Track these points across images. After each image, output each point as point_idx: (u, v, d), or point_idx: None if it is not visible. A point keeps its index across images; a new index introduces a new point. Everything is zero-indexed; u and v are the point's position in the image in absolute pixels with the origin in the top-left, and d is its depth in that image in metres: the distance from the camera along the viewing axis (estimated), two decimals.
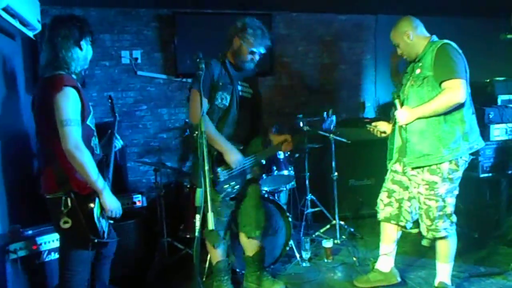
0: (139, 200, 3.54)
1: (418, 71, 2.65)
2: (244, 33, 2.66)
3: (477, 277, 3.11)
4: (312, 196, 4.10)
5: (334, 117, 3.28)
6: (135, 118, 4.46)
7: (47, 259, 2.60)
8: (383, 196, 2.96)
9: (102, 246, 2.33)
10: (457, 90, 2.45)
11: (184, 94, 4.47)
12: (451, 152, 2.55)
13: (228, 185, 2.73)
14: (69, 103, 2.03)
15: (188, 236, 3.61)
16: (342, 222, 3.98)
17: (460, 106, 2.53)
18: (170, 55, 4.42)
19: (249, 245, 2.99)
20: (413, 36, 2.68)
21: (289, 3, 4.56)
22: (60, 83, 2.04)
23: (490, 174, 3.84)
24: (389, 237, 3.00)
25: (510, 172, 3.84)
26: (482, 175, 3.81)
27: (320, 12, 4.95)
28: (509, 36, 3.02)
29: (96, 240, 2.16)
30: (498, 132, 3.83)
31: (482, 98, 3.85)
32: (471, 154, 2.64)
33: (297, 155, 4.06)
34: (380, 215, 2.98)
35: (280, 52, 4.84)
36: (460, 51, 2.59)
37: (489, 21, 4.63)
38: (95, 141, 2.26)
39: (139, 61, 4.38)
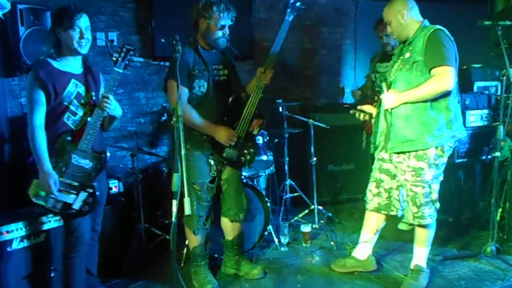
0: (115, 186, 3.49)
1: (407, 54, 2.62)
2: (208, 11, 2.64)
3: (451, 259, 3.18)
4: (291, 181, 4.11)
5: None
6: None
7: (20, 246, 2.54)
8: (371, 186, 2.94)
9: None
10: (446, 77, 2.45)
11: (162, 77, 4.35)
12: (434, 139, 2.56)
13: (245, 155, 2.85)
14: None
15: (166, 222, 3.58)
16: (320, 207, 4.01)
17: (446, 94, 2.53)
18: (147, 38, 4.31)
19: (231, 229, 2.99)
20: (407, 17, 2.64)
21: None
22: None
23: (465, 160, 3.91)
24: (373, 226, 3.01)
25: (484, 157, 3.91)
26: (457, 160, 3.87)
27: None
28: (486, 22, 3.03)
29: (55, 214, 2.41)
30: (473, 118, 3.88)
31: (458, 84, 3.87)
32: None
33: (276, 140, 4.05)
34: (369, 206, 2.96)
35: (260, 36, 4.78)
36: (452, 38, 2.57)
37: (469, 7, 4.68)
38: (74, 118, 2.36)
39: (115, 43, 4.26)
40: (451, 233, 3.61)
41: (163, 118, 3.93)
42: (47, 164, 2.24)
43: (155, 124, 4.19)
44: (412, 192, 2.68)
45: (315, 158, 3.97)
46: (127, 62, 2.47)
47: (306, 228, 3.58)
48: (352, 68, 5.27)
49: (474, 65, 4.08)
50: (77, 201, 2.34)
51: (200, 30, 2.72)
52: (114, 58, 2.46)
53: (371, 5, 4.87)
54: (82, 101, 2.38)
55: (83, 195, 2.35)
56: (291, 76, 4.99)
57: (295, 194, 4.17)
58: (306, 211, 4.01)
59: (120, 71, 2.45)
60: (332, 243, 3.53)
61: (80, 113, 2.37)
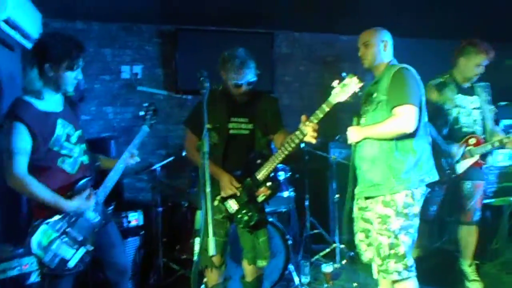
0: (135, 219, 3.44)
1: (374, 94, 2.53)
2: (225, 66, 2.56)
3: None
4: (312, 218, 4.02)
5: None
6: (134, 134, 4.32)
7: (36, 280, 2.49)
8: (361, 236, 2.66)
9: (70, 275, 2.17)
10: (405, 116, 2.32)
11: (184, 110, 4.41)
12: (401, 183, 2.36)
13: (242, 214, 2.61)
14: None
15: (184, 257, 3.51)
16: (342, 246, 3.89)
17: (411, 135, 2.36)
18: (171, 71, 4.38)
19: (250, 272, 2.84)
20: (387, 50, 2.58)
21: (292, 23, 4.55)
22: None
23: (493, 200, 3.78)
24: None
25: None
26: (485, 201, 3.74)
27: (322, 32, 4.94)
28: None
29: (44, 271, 2.08)
30: (501, 157, 3.79)
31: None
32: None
33: (297, 175, 4.00)
34: (365, 257, 2.67)
35: (282, 71, 4.81)
36: (418, 77, 2.46)
37: (495, 46, 4.66)
38: (69, 160, 2.17)
39: (139, 76, 4.34)
40: (481, 279, 3.44)
41: (184, 152, 3.91)
42: (64, 202, 2.08)
43: (176, 157, 4.17)
44: (377, 242, 2.43)
45: (337, 195, 3.89)
46: (153, 122, 2.48)
47: (327, 268, 3.46)
48: None
49: (500, 103, 4.01)
50: (74, 257, 2.12)
51: (223, 81, 2.65)
52: (142, 114, 2.48)
53: (395, 42, 4.88)
54: (73, 141, 2.18)
55: (81, 251, 2.15)
56: (312, 111, 4.95)
57: (316, 231, 4.07)
58: (328, 249, 3.89)
59: (148, 130, 2.45)
60: (355, 284, 3.40)
61: (75, 154, 2.18)
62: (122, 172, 2.39)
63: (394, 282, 2.43)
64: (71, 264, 2.12)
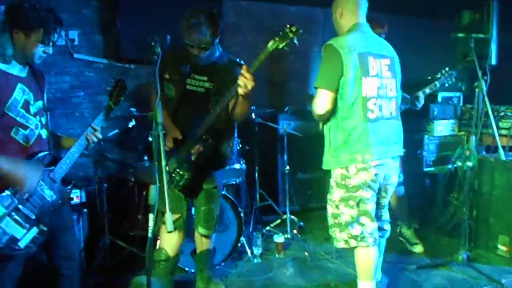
0: (77, 196, 3.24)
1: None
2: (181, 25, 2.47)
3: (424, 268, 3.20)
4: (261, 190, 4.02)
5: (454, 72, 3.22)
6: (71, 106, 4.08)
7: None
8: None
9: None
10: (316, 100, 2.35)
11: (127, 80, 4.15)
12: (334, 160, 2.40)
13: (176, 174, 2.57)
14: None
15: (132, 233, 3.38)
16: (292, 216, 3.94)
17: (343, 114, 2.33)
18: (111, 38, 4.08)
19: (198, 242, 2.85)
20: (344, 18, 2.45)
21: None
22: None
23: (433, 168, 3.98)
24: None
25: (450, 166, 4.00)
26: (425, 169, 3.95)
27: (270, 2, 4.84)
28: (460, 35, 3.11)
29: None
30: (441, 128, 3.98)
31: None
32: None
33: (247, 147, 3.95)
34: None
35: (230, 41, 4.67)
36: (344, 50, 2.28)
37: (435, 20, 4.83)
38: (24, 131, 1.99)
39: (76, 42, 4.00)
40: (421, 242, 3.64)
41: (130, 123, 3.71)
42: (5, 161, 1.86)
43: (121, 130, 3.95)
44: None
45: (288, 167, 3.90)
46: (120, 99, 2.32)
47: (279, 239, 3.50)
48: None
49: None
50: (25, 237, 1.93)
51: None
52: (109, 90, 2.31)
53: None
54: (32, 111, 2.02)
55: (34, 231, 1.97)
56: (259, 82, 4.87)
57: (266, 203, 4.08)
58: (279, 220, 3.93)
59: (113, 106, 2.29)
60: (306, 253, 3.46)
61: (32, 125, 2.02)
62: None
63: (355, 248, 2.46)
64: (22, 244, 1.92)
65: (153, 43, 2.06)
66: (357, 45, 2.32)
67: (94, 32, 4.07)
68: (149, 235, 1.91)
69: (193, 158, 2.53)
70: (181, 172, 2.55)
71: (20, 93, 1.97)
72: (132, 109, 3.72)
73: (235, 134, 3.03)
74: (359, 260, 2.45)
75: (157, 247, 2.80)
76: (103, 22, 4.08)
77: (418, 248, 3.53)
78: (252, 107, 3.93)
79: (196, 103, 2.56)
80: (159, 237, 2.83)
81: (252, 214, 3.95)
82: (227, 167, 3.38)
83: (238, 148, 3.59)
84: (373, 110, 2.33)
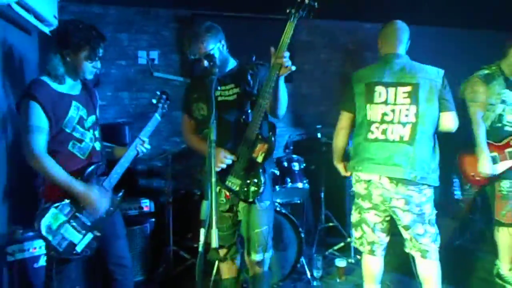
0: (146, 206, 3.42)
1: None
2: None
3: None
4: (327, 211, 3.92)
5: None
6: (149, 120, 4.35)
7: (45, 264, 2.49)
8: None
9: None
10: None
11: None
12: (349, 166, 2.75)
13: (249, 186, 2.44)
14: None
15: (195, 245, 3.47)
16: None
17: (354, 132, 2.72)
18: (187, 57, 4.29)
19: (250, 265, 2.66)
20: (381, 48, 2.72)
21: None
22: None
23: None
24: None
25: None
26: None
27: (344, 19, 4.78)
28: None
29: (51, 254, 2.08)
30: None
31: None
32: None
33: (312, 166, 3.89)
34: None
35: (301, 59, 4.68)
36: (356, 77, 2.69)
37: (486, 33, 4.43)
38: (80, 145, 2.16)
39: (156, 62, 4.29)
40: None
41: None
42: (80, 184, 2.08)
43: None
44: None
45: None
46: (164, 111, 2.46)
47: (341, 263, 3.37)
48: None
49: None
50: (81, 242, 2.12)
51: None
52: (154, 102, 2.46)
53: (417, 29, 4.68)
54: (86, 126, 2.19)
55: (89, 237, 2.15)
56: (332, 100, 4.84)
57: (331, 225, 3.97)
58: (342, 243, 3.79)
59: (159, 118, 2.43)
60: None
61: (87, 139, 2.18)
62: (136, 159, 2.37)
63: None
64: (79, 248, 2.12)
65: (211, 64, 2.14)
66: (368, 75, 2.62)
67: (172, 51, 4.34)
68: (200, 249, 1.96)
69: (260, 159, 2.41)
70: (255, 180, 2.43)
71: (75, 111, 2.14)
72: None
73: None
74: (362, 262, 2.79)
75: (223, 275, 2.73)
76: (180, 42, 4.33)
77: None
78: (318, 126, 3.89)
79: (232, 112, 2.47)
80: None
81: (316, 235, 3.86)
82: (289, 186, 3.40)
83: (302, 167, 3.55)
84: (373, 132, 2.56)
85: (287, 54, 2.23)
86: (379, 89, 2.55)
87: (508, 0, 3.83)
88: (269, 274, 2.80)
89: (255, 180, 2.43)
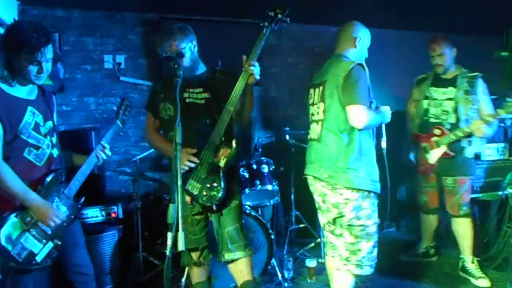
0: (114, 212, 3.36)
1: None
2: None
3: None
4: (297, 212, 3.96)
5: None
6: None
7: None
8: None
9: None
10: None
11: None
12: None
13: (208, 191, 2.44)
14: None
15: (165, 251, 3.42)
16: None
17: None
18: (155, 61, 4.28)
19: (233, 272, 2.69)
20: (357, 46, 2.68)
21: None
22: None
23: (480, 195, 3.73)
24: None
25: (500, 193, 3.72)
26: (472, 195, 3.69)
27: (311, 23, 4.85)
28: (503, 54, 2.94)
29: (9, 265, 2.00)
30: (489, 151, 3.73)
31: None
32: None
33: (281, 168, 3.92)
34: None
35: (269, 63, 4.72)
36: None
37: (483, 38, 4.58)
38: (37, 151, 2.09)
39: (122, 66, 4.23)
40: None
41: None
42: (36, 196, 2.02)
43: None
44: None
45: None
46: (124, 118, 2.43)
47: (311, 263, 3.40)
48: None
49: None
50: (42, 252, 2.06)
51: None
52: (115, 109, 2.43)
53: (382, 34, 4.80)
54: (43, 132, 2.11)
55: (49, 246, 2.09)
56: (300, 103, 4.89)
57: (301, 226, 4.01)
58: (312, 244, 3.83)
59: (120, 125, 2.41)
60: None
61: (43, 145, 2.11)
62: (103, 165, 2.34)
63: None
64: (39, 258, 2.05)
65: (176, 66, 2.14)
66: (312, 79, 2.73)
67: (139, 56, 4.29)
68: (168, 253, 1.95)
69: (222, 164, 2.42)
70: (214, 184, 2.43)
71: (30, 116, 2.06)
72: None
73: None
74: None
75: (194, 280, 2.74)
76: (147, 47, 4.29)
77: (485, 283, 3.28)
78: (286, 128, 3.93)
79: (199, 115, 2.47)
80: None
81: (287, 237, 3.89)
82: (258, 188, 3.42)
83: (271, 169, 3.57)
84: (309, 133, 2.68)
85: (256, 64, 2.33)
86: (311, 91, 2.70)
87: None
88: (256, 284, 2.79)
89: (215, 185, 2.44)
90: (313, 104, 2.64)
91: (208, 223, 2.67)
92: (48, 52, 2.00)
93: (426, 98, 3.43)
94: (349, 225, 2.44)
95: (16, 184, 1.97)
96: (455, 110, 3.25)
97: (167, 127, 2.56)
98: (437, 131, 3.29)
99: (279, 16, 2.40)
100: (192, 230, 2.57)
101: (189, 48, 2.47)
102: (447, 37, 3.34)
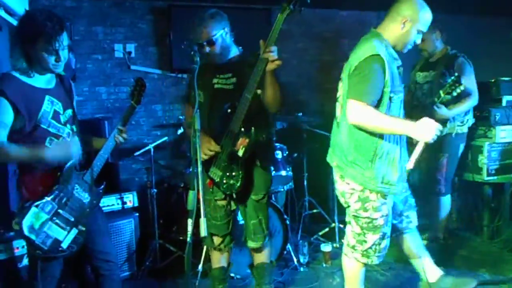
0: (130, 200, 3.39)
1: None
2: None
3: (484, 285, 2.97)
4: (311, 198, 3.97)
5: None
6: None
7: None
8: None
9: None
10: None
11: (179, 90, 4.32)
12: None
13: (228, 179, 2.46)
14: None
15: (181, 238, 3.47)
16: (341, 225, 3.83)
17: None
18: (165, 50, 4.26)
19: (253, 255, 2.76)
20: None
21: None
22: None
23: (495, 177, 3.71)
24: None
25: None
26: (487, 178, 3.68)
27: (321, 8, 4.79)
28: None
29: (35, 254, 2.01)
30: (504, 133, 3.70)
31: (487, 98, 3.72)
32: None
33: (295, 154, 3.92)
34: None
35: (279, 48, 4.66)
36: None
37: (497, 19, 4.50)
38: (57, 141, 2.07)
39: (132, 55, 4.22)
40: (481, 256, 3.39)
41: (180, 131, 3.84)
42: (43, 149, 1.96)
43: (171, 137, 4.10)
44: None
45: None
46: (141, 98, 2.40)
47: (326, 248, 3.42)
48: None
49: (503, 78, 3.88)
50: (67, 238, 2.07)
51: None
52: (130, 91, 2.39)
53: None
54: (62, 120, 2.09)
55: (74, 232, 2.09)
56: (311, 88, 4.87)
57: (315, 211, 4.02)
58: (327, 229, 3.85)
59: (135, 106, 2.37)
60: None
61: (64, 134, 2.09)
62: (118, 152, 2.33)
63: None
64: (65, 245, 2.07)
65: (192, 52, 2.12)
66: None
67: (149, 44, 4.28)
68: (188, 240, 1.96)
69: (240, 153, 2.40)
70: (233, 173, 2.44)
71: (49, 105, 2.04)
72: (181, 117, 3.84)
73: (274, 125, 2.86)
74: None
75: (213, 266, 2.78)
76: (157, 35, 4.27)
77: None
78: (299, 114, 3.90)
79: (226, 101, 2.44)
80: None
81: (301, 222, 3.91)
82: (272, 174, 3.42)
83: (285, 155, 3.57)
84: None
85: (274, 48, 2.22)
86: (344, 65, 2.40)
87: None
88: (272, 266, 2.83)
89: (234, 174, 2.44)
90: (340, 79, 2.42)
91: (231, 212, 2.68)
92: (64, 39, 1.99)
93: (413, 83, 3.62)
94: (354, 215, 2.37)
95: (23, 152, 1.95)
96: (432, 93, 3.27)
97: (200, 112, 2.57)
98: None
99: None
100: (214, 215, 2.61)
101: (220, 35, 2.43)
102: None
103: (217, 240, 2.68)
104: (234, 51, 2.56)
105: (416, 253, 2.64)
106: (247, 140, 2.38)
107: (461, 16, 4.74)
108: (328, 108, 5.00)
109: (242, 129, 2.38)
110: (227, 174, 2.45)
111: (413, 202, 2.62)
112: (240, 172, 2.42)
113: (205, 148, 2.42)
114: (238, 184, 2.43)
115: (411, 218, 2.60)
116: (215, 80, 2.52)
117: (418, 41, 2.34)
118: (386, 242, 2.39)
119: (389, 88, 2.18)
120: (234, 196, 2.54)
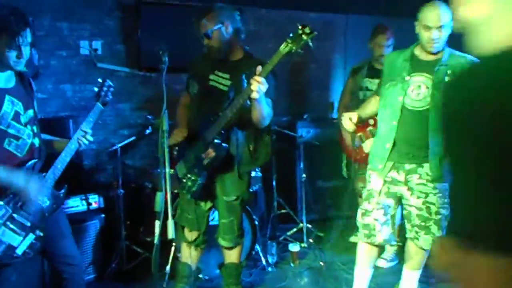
0: (95, 201, 3.32)
1: (447, 78, 2.35)
2: None
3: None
4: (279, 198, 4.00)
5: None
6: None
7: None
8: (378, 214, 2.55)
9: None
10: None
11: (147, 89, 4.25)
12: None
13: (187, 179, 2.52)
14: None
15: (148, 239, 3.41)
16: (309, 225, 3.89)
17: None
18: (133, 47, 4.18)
19: (224, 254, 2.78)
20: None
21: None
22: None
23: None
24: (371, 260, 2.68)
25: None
26: None
27: (290, 9, 4.84)
28: None
29: None
30: None
31: None
32: None
33: None
34: (378, 238, 2.55)
35: (249, 49, 4.68)
36: None
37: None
38: (17, 142, 2.01)
39: (99, 52, 4.12)
40: None
41: (148, 131, 3.78)
42: (22, 174, 1.93)
43: (138, 137, 4.03)
44: (438, 216, 2.45)
45: (304, 175, 3.87)
46: (108, 99, 2.32)
47: (294, 248, 3.46)
48: (342, 82, 5.20)
49: None
50: (22, 244, 1.98)
51: None
52: (96, 90, 2.30)
53: (362, 20, 4.84)
54: (23, 121, 2.02)
55: (30, 237, 2.01)
56: (280, 89, 4.89)
57: (283, 211, 4.05)
58: (295, 229, 3.89)
59: (102, 107, 2.29)
60: (321, 263, 3.41)
61: (24, 136, 2.02)
62: (83, 154, 2.26)
63: None
64: (19, 251, 1.98)
65: (160, 52, 2.11)
66: None
67: (116, 41, 4.18)
68: (156, 241, 1.94)
69: (204, 162, 2.44)
70: (192, 178, 2.48)
71: (9, 105, 1.96)
72: (149, 116, 3.78)
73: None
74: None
75: (181, 260, 2.80)
76: (125, 32, 4.18)
77: None
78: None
79: (217, 101, 2.46)
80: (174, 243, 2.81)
81: (269, 223, 3.93)
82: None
83: None
84: None
85: (264, 81, 2.21)
86: None
87: None
88: (241, 267, 2.84)
89: (193, 178, 2.48)
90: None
91: (207, 210, 2.69)
92: (28, 35, 1.92)
93: (361, 89, 3.55)
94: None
95: None
96: None
97: (192, 103, 2.63)
98: (371, 121, 3.27)
99: (304, 37, 2.22)
100: (187, 208, 2.60)
101: (218, 29, 2.43)
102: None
103: (189, 234, 2.67)
104: (239, 51, 2.57)
105: None
106: (213, 154, 2.41)
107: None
108: (296, 109, 5.08)
109: (216, 140, 2.41)
110: (188, 175, 2.51)
111: None
112: (199, 179, 2.47)
113: (175, 136, 2.53)
114: (194, 189, 2.49)
115: None
116: (211, 76, 2.54)
117: (435, 36, 2.38)
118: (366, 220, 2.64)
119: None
120: (189, 197, 2.57)
